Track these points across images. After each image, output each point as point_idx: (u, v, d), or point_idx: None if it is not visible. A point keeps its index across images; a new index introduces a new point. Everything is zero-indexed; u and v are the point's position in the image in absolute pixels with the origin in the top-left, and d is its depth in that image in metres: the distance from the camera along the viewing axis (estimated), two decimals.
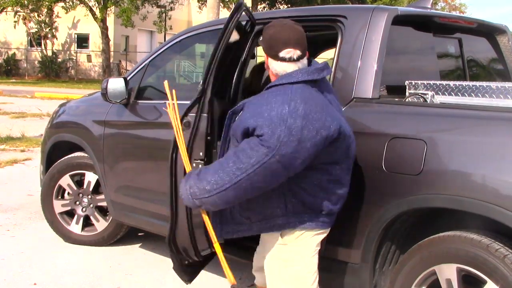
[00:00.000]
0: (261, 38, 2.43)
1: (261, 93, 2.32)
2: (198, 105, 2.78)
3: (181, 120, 2.77)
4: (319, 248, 2.43)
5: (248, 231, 2.40)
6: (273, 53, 2.29)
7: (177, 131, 2.64)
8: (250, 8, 26.00)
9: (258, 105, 2.20)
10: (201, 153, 2.75)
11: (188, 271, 2.98)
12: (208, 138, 2.78)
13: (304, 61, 2.32)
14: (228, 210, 2.39)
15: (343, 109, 2.66)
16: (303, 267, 2.38)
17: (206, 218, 2.47)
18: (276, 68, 2.30)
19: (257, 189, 2.18)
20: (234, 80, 3.26)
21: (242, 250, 3.02)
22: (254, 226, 2.38)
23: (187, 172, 2.51)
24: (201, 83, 2.80)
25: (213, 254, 3.12)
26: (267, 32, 2.34)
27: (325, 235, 2.43)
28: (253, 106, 2.23)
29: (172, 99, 2.67)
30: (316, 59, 5.13)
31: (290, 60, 2.26)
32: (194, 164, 2.75)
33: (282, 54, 2.26)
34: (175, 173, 2.79)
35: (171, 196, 2.82)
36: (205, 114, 2.78)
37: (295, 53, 2.26)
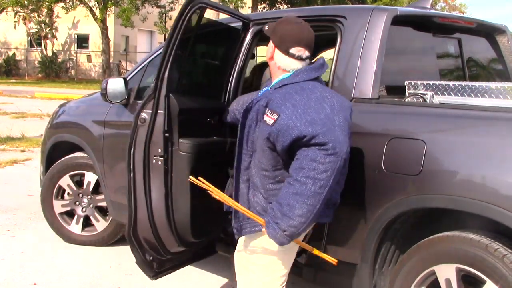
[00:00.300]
0: (266, 27, 2.45)
1: (281, 93, 2.26)
2: (153, 101, 2.78)
3: (137, 116, 2.81)
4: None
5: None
6: (284, 47, 2.34)
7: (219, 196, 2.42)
8: (250, 9, 26.03)
9: (299, 109, 2.16)
10: (159, 150, 2.78)
11: (153, 266, 3.00)
12: (166, 134, 2.78)
13: (308, 61, 2.38)
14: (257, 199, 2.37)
15: None
16: (283, 257, 2.39)
17: (300, 243, 2.38)
18: (282, 61, 2.36)
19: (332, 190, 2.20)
20: (233, 80, 3.26)
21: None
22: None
23: (260, 222, 2.29)
24: (154, 79, 2.80)
25: (194, 253, 3.15)
26: (282, 26, 2.38)
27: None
28: (290, 110, 2.16)
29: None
30: (316, 58, 5.11)
31: (298, 58, 2.33)
32: (153, 161, 2.78)
33: (293, 51, 2.32)
34: (133, 168, 2.84)
35: (129, 192, 2.87)
36: (161, 111, 2.78)
37: (305, 53, 2.34)
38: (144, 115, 2.81)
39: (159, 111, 2.78)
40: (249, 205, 2.37)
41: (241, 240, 2.49)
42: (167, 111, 2.78)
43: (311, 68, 2.34)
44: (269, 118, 2.21)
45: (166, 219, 2.86)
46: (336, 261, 2.37)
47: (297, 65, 2.34)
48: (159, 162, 2.78)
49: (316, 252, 2.40)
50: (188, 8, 2.74)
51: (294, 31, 2.34)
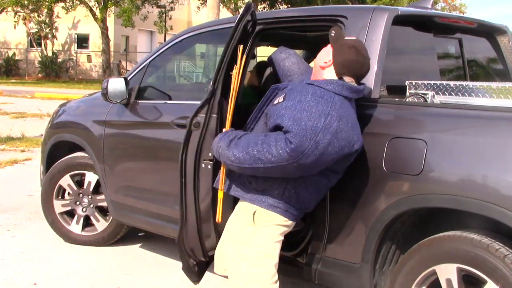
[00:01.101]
0: (333, 34, 2.51)
1: (303, 87, 2.38)
2: (208, 105, 2.79)
3: (191, 120, 2.81)
4: (282, 238, 2.54)
5: (244, 194, 2.53)
6: (340, 71, 2.44)
7: (232, 95, 2.67)
8: None
9: (299, 106, 2.25)
10: (210, 154, 2.76)
11: (196, 271, 2.99)
12: None
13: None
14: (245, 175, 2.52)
15: None
16: (265, 249, 2.47)
17: (223, 168, 2.58)
18: (326, 73, 2.47)
19: (271, 175, 2.36)
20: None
21: None
22: (250, 193, 2.51)
23: (225, 129, 2.59)
24: (211, 83, 2.81)
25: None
26: (350, 54, 2.44)
27: (290, 228, 2.55)
28: (292, 102, 2.28)
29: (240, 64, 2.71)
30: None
31: (343, 82, 2.41)
32: (203, 165, 2.77)
33: (346, 78, 2.44)
34: (184, 174, 2.81)
35: (181, 197, 2.84)
36: (215, 115, 2.79)
37: (352, 82, 2.44)
38: (198, 119, 2.79)
39: (212, 115, 2.78)
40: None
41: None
42: (219, 114, 2.78)
43: (347, 86, 2.39)
44: (277, 100, 2.38)
45: (212, 223, 2.83)
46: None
47: (337, 82, 2.41)
48: (209, 166, 2.76)
49: (220, 196, 2.61)
50: (247, 12, 2.80)
51: (358, 65, 2.44)
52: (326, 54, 2.50)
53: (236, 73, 2.68)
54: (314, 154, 2.20)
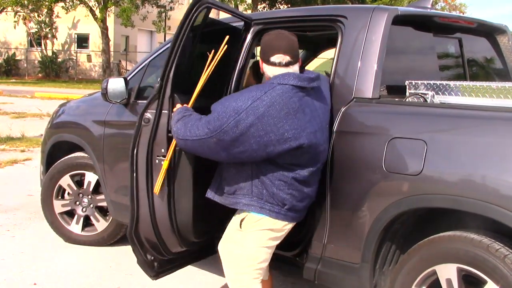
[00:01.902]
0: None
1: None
2: (158, 101, 2.80)
3: (141, 116, 2.85)
4: (277, 241, 2.57)
5: (223, 200, 2.62)
6: (266, 58, 2.48)
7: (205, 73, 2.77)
8: (251, 9, 26.04)
9: (236, 95, 2.43)
10: (162, 150, 2.78)
11: (153, 266, 3.00)
12: (170, 134, 2.79)
13: (295, 67, 2.48)
14: (219, 179, 2.64)
15: (343, 110, 2.66)
16: (252, 253, 2.53)
17: (173, 142, 2.72)
18: (267, 71, 2.50)
19: (202, 153, 2.49)
20: (233, 80, 3.26)
21: None
22: (227, 198, 2.59)
23: (185, 105, 2.69)
24: (159, 79, 2.81)
25: (194, 253, 3.17)
26: (263, 39, 2.54)
27: (286, 228, 2.55)
28: (234, 94, 2.50)
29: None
30: (316, 58, 5.12)
31: (280, 65, 2.45)
32: (156, 161, 2.81)
33: (273, 59, 2.46)
34: (136, 169, 2.86)
35: (131, 192, 2.89)
36: (166, 111, 2.79)
37: (285, 58, 2.44)
38: (148, 115, 2.82)
39: (163, 111, 2.79)
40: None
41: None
42: (171, 111, 2.78)
43: (294, 75, 2.41)
44: None
45: (168, 219, 2.86)
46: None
47: (282, 72, 2.45)
48: (162, 162, 2.78)
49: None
50: (195, 8, 2.74)
51: (271, 41, 2.48)
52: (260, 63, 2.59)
53: (206, 70, 2.78)
54: (233, 131, 2.30)
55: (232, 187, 2.55)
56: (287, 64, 2.44)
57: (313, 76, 2.47)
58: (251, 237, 2.52)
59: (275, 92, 2.33)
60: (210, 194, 2.68)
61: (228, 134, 2.31)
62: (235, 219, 2.60)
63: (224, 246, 2.67)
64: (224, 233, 2.70)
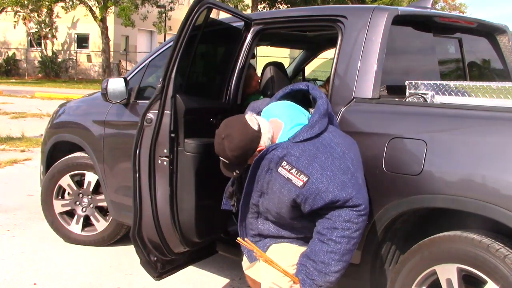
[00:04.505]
0: (235, 173, 2.35)
1: (301, 149, 2.18)
2: (160, 102, 2.79)
3: (143, 116, 2.82)
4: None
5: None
6: (257, 139, 2.24)
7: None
8: (250, 8, 26.04)
9: (327, 171, 2.15)
10: (165, 150, 2.79)
11: (156, 267, 3.00)
12: (172, 135, 2.79)
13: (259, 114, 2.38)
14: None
15: (343, 110, 2.67)
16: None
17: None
18: (268, 137, 2.26)
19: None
20: (234, 80, 3.26)
21: (238, 248, 3.04)
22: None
23: (294, 280, 2.31)
24: (161, 80, 2.80)
25: (195, 253, 3.16)
26: (235, 149, 2.23)
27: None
28: (319, 173, 2.15)
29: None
30: (316, 58, 5.09)
31: (254, 118, 2.28)
32: (159, 161, 2.79)
33: (255, 126, 2.24)
34: (138, 169, 2.85)
35: (134, 192, 2.88)
36: (168, 111, 2.79)
37: (247, 115, 2.29)
38: (150, 115, 2.81)
39: (165, 112, 2.78)
40: (259, 231, 2.44)
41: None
42: (173, 111, 2.78)
43: (323, 115, 2.28)
44: (297, 179, 2.15)
45: (171, 219, 2.86)
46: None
47: (264, 122, 2.29)
48: (165, 163, 2.77)
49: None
50: (197, 8, 2.75)
51: (238, 140, 2.22)
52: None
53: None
54: (366, 192, 2.27)
55: (279, 228, 2.41)
56: (253, 116, 2.31)
57: (326, 107, 2.33)
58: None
59: (336, 144, 2.27)
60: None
61: (368, 202, 2.26)
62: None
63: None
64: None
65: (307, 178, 2.14)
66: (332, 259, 2.17)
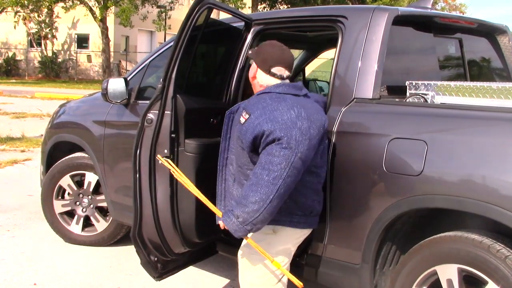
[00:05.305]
0: (250, 52, 2.62)
1: (257, 98, 2.44)
2: (160, 102, 2.79)
3: (144, 116, 2.82)
4: (295, 249, 2.56)
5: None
6: (266, 67, 2.50)
7: (184, 183, 2.63)
8: (251, 9, 26.05)
9: (267, 110, 2.32)
10: (165, 151, 2.79)
11: (157, 267, 3.00)
12: (172, 135, 2.79)
13: (287, 81, 2.54)
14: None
15: (343, 110, 2.67)
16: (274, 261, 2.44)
17: (252, 243, 2.42)
18: (264, 80, 2.52)
19: (289, 189, 2.29)
20: (234, 80, 3.26)
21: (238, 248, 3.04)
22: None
23: (217, 213, 2.47)
24: (161, 80, 2.80)
25: (196, 254, 3.15)
26: (265, 49, 2.55)
27: (306, 235, 2.57)
28: (260, 111, 2.33)
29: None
30: (316, 59, 5.11)
31: (279, 77, 2.50)
32: (160, 162, 2.78)
33: (274, 70, 2.50)
34: (139, 170, 2.85)
35: (134, 192, 2.88)
36: (168, 112, 2.79)
37: (285, 72, 2.52)
38: (150, 116, 2.81)
39: (166, 112, 2.79)
40: (232, 198, 2.50)
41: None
42: (173, 112, 2.78)
43: (293, 85, 2.50)
44: (242, 118, 2.38)
45: (171, 219, 2.86)
46: (301, 284, 2.38)
47: (277, 82, 2.49)
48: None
49: (277, 266, 2.43)
50: (197, 8, 2.75)
51: (276, 53, 2.51)
52: (251, 68, 2.60)
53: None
54: (304, 139, 2.27)
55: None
56: (285, 78, 2.52)
57: (299, 85, 2.56)
58: (280, 245, 2.50)
59: (293, 99, 2.40)
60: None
61: (302, 143, 2.26)
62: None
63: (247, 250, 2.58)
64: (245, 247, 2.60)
65: (248, 116, 2.34)
66: (250, 190, 2.23)
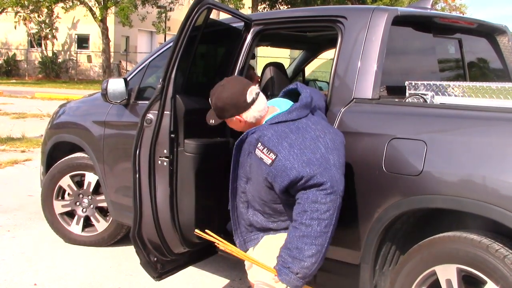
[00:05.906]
0: (213, 121, 2.44)
1: (275, 131, 2.24)
2: (160, 102, 2.79)
3: (143, 117, 2.81)
4: None
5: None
6: (242, 108, 2.32)
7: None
8: (251, 9, 26.05)
9: (296, 149, 2.18)
10: (165, 151, 2.79)
11: (156, 267, 3.01)
12: (172, 135, 2.79)
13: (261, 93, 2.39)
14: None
15: (342, 110, 2.67)
16: None
17: None
18: (250, 115, 2.34)
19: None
20: None
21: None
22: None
23: (272, 272, 2.28)
24: (160, 80, 2.80)
25: (195, 254, 3.15)
26: (220, 99, 2.34)
27: None
28: (287, 151, 2.18)
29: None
30: (316, 59, 5.10)
31: (256, 97, 2.33)
32: (159, 162, 2.79)
33: (247, 99, 2.31)
34: (139, 170, 2.85)
35: (134, 193, 2.88)
36: (168, 112, 2.79)
37: (251, 93, 2.32)
38: (150, 116, 2.81)
39: (165, 112, 2.79)
40: (250, 223, 2.45)
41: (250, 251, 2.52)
42: (173, 112, 2.78)
43: (304, 105, 2.34)
44: (267, 157, 2.21)
45: (171, 220, 2.86)
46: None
47: (264, 100, 2.36)
48: (165, 163, 2.78)
49: None
50: (197, 8, 2.75)
51: (230, 90, 2.32)
52: (232, 124, 2.43)
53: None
54: (341, 175, 2.23)
55: (268, 219, 2.42)
56: (258, 94, 2.35)
57: (309, 99, 2.37)
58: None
59: (312, 129, 2.28)
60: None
61: (340, 179, 2.21)
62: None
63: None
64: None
65: (275, 156, 2.18)
66: (304, 243, 2.15)
